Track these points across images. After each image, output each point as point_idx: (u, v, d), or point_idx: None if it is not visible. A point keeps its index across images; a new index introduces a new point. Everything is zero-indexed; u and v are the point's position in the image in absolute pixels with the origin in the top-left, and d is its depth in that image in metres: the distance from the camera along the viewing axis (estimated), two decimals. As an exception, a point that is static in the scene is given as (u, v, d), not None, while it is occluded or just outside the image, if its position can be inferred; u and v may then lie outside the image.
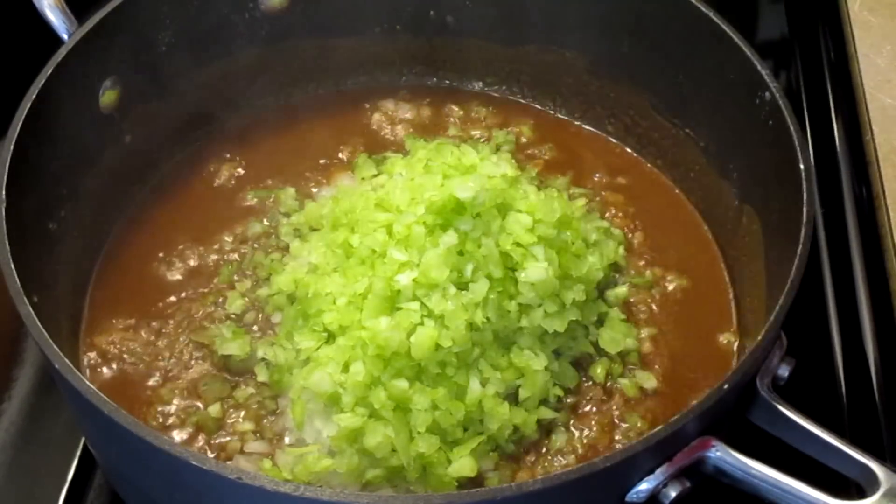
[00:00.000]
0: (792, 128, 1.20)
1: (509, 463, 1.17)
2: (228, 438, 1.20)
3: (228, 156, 1.51)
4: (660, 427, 0.96)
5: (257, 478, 0.91)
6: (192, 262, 1.37)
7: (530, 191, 1.26)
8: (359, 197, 1.31)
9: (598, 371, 1.25)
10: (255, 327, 1.29)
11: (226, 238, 1.39)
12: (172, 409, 1.22)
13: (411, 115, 1.58)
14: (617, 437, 1.22)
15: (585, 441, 1.20)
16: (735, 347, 1.32)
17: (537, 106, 1.62)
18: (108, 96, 1.35)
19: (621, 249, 1.38)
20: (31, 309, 1.04)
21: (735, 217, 1.38)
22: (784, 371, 1.09)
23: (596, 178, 1.50)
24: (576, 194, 1.45)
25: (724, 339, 1.33)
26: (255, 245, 1.38)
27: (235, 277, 1.34)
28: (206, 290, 1.34)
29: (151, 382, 1.25)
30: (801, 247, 1.10)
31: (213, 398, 1.22)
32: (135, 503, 1.22)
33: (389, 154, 1.48)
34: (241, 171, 1.49)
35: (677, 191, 1.50)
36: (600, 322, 1.29)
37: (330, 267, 1.24)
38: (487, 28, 1.57)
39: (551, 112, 1.61)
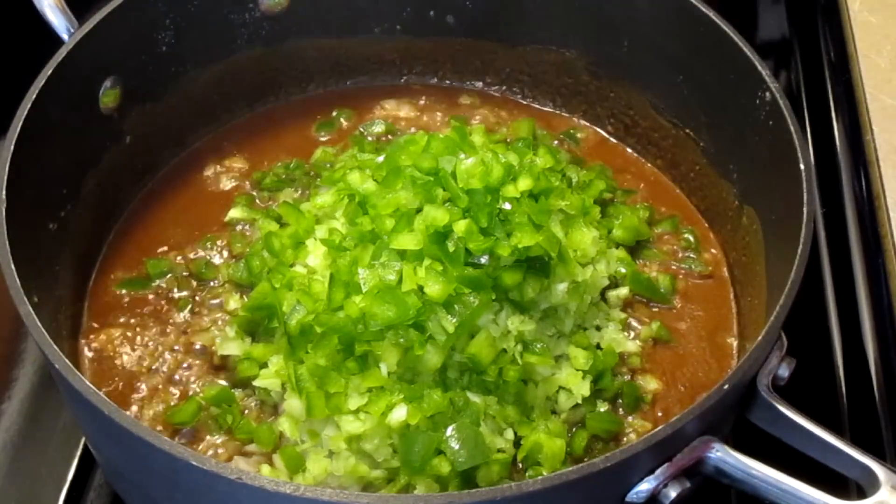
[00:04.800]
0: (792, 128, 1.20)
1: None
2: (228, 438, 1.20)
3: (228, 156, 1.51)
4: (660, 427, 0.96)
5: (257, 478, 0.91)
6: (192, 263, 1.37)
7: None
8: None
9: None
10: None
11: (226, 238, 1.39)
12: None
13: (411, 115, 1.58)
14: (618, 438, 1.22)
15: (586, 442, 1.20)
16: (735, 347, 1.32)
17: (537, 106, 1.62)
18: (108, 96, 1.35)
19: (624, 253, 1.37)
20: (31, 309, 1.04)
21: (735, 217, 1.38)
22: (784, 371, 1.09)
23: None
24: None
25: (724, 339, 1.33)
26: (254, 245, 1.38)
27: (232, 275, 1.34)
28: (205, 290, 1.34)
29: (151, 382, 1.25)
30: (801, 247, 1.10)
31: (213, 398, 1.22)
32: (135, 503, 1.22)
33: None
34: (240, 171, 1.49)
35: (677, 191, 1.50)
36: (602, 324, 1.29)
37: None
38: (487, 28, 1.57)
39: (551, 112, 1.61)
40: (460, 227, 1.14)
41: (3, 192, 1.12)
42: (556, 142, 1.54)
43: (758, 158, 1.31)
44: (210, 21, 1.46)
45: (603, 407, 1.22)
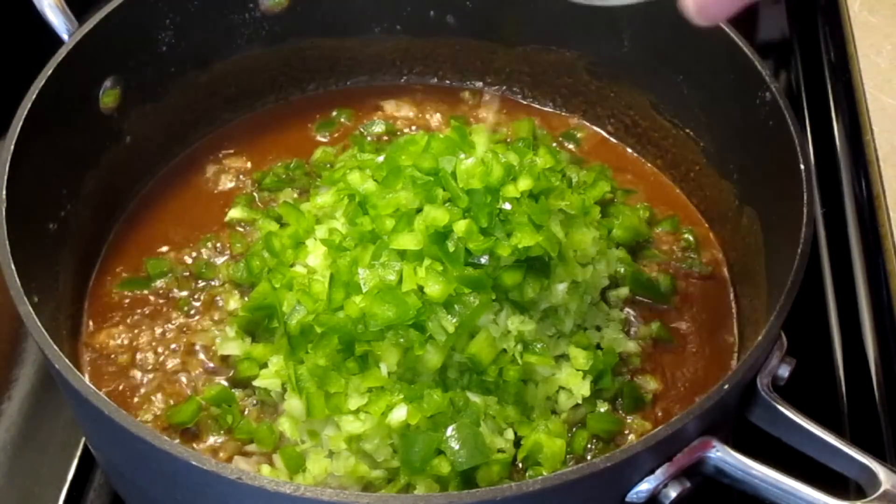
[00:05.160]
0: (792, 128, 1.20)
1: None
2: (228, 438, 1.20)
3: (228, 156, 1.51)
4: (660, 427, 0.96)
5: (257, 478, 0.91)
6: (192, 263, 1.37)
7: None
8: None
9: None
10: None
11: (226, 238, 1.39)
12: (172, 409, 1.22)
13: (411, 115, 1.58)
14: (618, 439, 1.21)
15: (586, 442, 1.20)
16: (735, 347, 1.32)
17: (537, 106, 1.62)
18: (108, 96, 1.35)
19: (623, 253, 1.37)
20: (31, 309, 1.04)
21: (735, 217, 1.38)
22: (784, 371, 1.09)
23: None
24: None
25: (724, 339, 1.33)
26: (254, 245, 1.38)
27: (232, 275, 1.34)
28: (205, 290, 1.34)
29: (152, 382, 1.25)
30: (801, 247, 1.10)
31: (213, 398, 1.22)
32: (135, 503, 1.22)
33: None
34: (241, 171, 1.49)
35: (677, 191, 1.50)
36: (602, 324, 1.29)
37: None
38: (487, 28, 1.57)
39: (551, 112, 1.61)
40: (460, 227, 1.14)
41: (3, 192, 1.12)
42: (554, 143, 1.54)
43: (758, 158, 1.31)
44: (210, 21, 1.46)
45: (603, 407, 1.22)
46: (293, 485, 0.91)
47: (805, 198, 1.14)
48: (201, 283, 1.34)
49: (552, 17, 1.52)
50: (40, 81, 1.22)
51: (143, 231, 1.42)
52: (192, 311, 1.32)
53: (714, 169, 1.43)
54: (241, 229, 1.41)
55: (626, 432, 1.22)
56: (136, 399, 1.24)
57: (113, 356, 1.27)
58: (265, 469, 1.15)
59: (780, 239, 1.19)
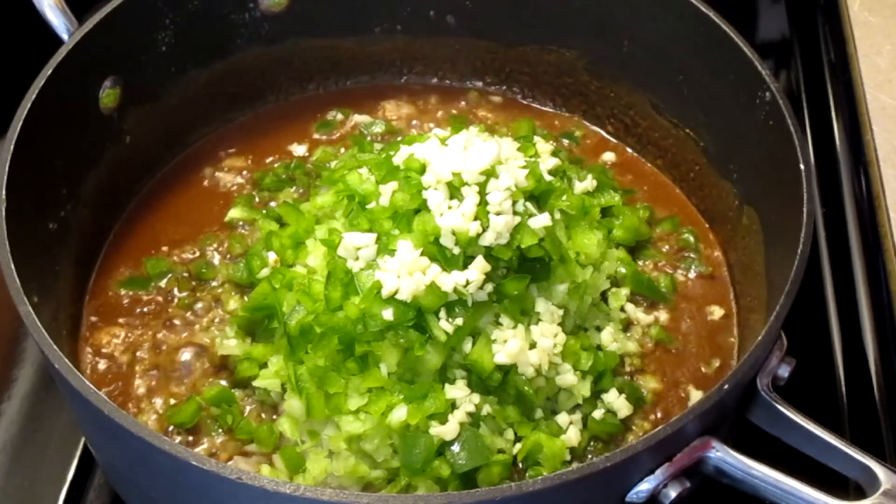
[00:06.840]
0: (792, 128, 1.21)
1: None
2: (228, 439, 1.19)
3: (228, 156, 1.51)
4: (660, 427, 0.96)
5: (257, 478, 0.91)
6: (192, 263, 1.37)
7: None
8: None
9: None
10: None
11: (226, 238, 1.39)
12: (172, 409, 1.22)
13: (411, 115, 1.58)
14: (618, 439, 1.21)
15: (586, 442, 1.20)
16: (735, 348, 1.32)
17: (537, 106, 1.62)
18: (108, 96, 1.35)
19: (624, 253, 1.37)
20: (31, 309, 1.04)
21: (735, 217, 1.38)
22: (784, 371, 1.09)
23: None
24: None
25: (724, 339, 1.33)
26: (254, 245, 1.38)
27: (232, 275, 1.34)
28: (205, 291, 1.34)
29: (151, 382, 1.25)
30: (801, 247, 1.10)
31: (213, 398, 1.22)
32: (135, 503, 1.22)
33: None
34: (240, 171, 1.49)
35: (677, 191, 1.50)
36: (602, 324, 1.29)
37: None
38: (487, 28, 1.57)
39: (551, 112, 1.61)
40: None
41: (3, 192, 1.12)
42: (553, 142, 1.54)
43: (758, 158, 1.31)
44: (210, 21, 1.46)
45: (603, 407, 1.22)
46: (293, 485, 0.91)
47: (805, 198, 1.14)
48: (201, 283, 1.34)
49: (552, 17, 1.52)
50: (40, 81, 1.22)
51: (143, 231, 1.42)
52: (192, 311, 1.32)
53: (714, 169, 1.43)
54: (241, 229, 1.41)
55: (626, 432, 1.22)
56: (135, 399, 1.24)
57: (113, 356, 1.27)
58: (265, 469, 1.15)
59: (780, 239, 1.19)
